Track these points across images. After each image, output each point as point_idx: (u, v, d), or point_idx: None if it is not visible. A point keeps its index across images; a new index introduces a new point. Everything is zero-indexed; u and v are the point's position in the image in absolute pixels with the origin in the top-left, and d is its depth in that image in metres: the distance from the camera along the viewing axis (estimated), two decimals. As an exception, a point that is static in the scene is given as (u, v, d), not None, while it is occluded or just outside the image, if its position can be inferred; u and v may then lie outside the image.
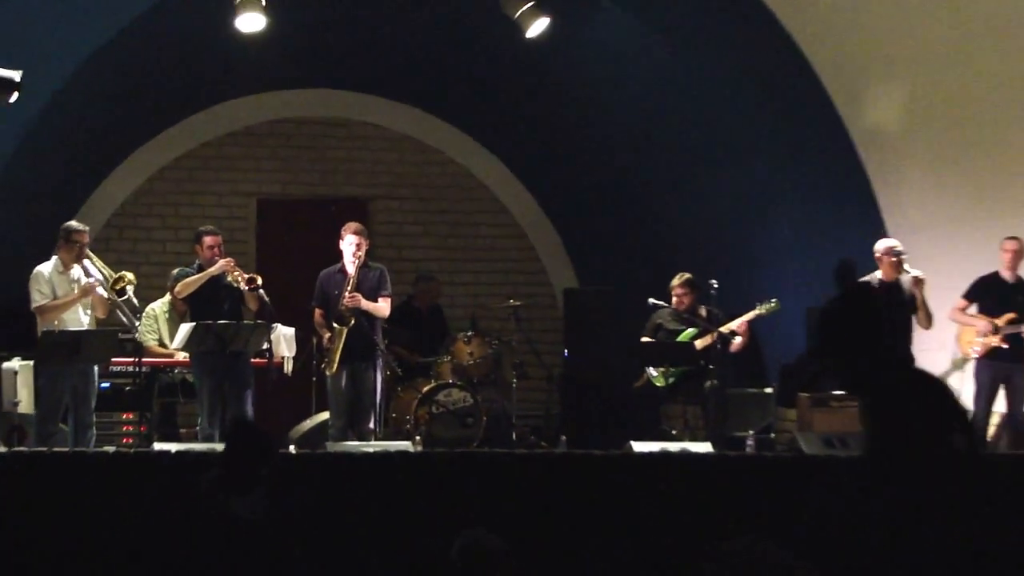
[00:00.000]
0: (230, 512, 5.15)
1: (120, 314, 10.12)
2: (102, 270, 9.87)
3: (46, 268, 9.64)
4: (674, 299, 11.15)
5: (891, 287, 10.19)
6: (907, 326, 10.19)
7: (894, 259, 10.13)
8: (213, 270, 10.04)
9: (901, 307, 10.13)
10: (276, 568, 4.84)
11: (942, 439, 3.82)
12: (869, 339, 4.19)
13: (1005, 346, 10.19)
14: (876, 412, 3.96)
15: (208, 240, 10.20)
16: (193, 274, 10.14)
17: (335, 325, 10.16)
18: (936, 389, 3.87)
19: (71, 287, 9.67)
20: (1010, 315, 10.18)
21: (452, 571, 4.89)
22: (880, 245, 10.27)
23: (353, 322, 10.13)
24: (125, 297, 9.80)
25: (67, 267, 9.68)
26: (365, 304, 10.22)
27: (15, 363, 10.18)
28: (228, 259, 10.11)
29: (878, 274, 10.26)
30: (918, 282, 10.10)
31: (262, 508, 5.47)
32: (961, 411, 4.01)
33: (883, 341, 4.20)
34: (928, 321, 10.22)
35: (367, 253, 10.40)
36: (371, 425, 10.24)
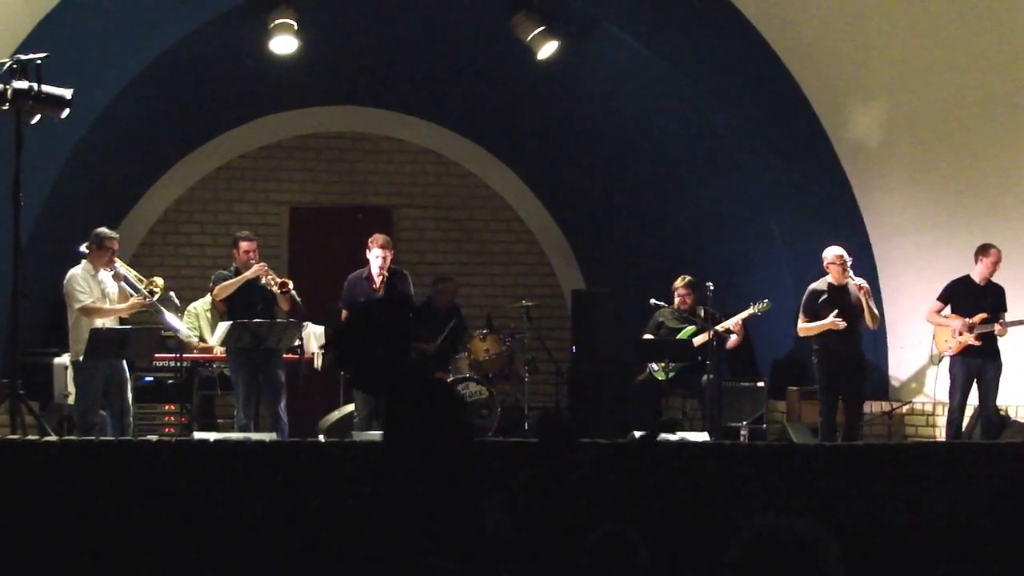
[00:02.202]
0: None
1: (159, 317, 10.10)
2: (128, 274, 9.86)
3: (78, 271, 9.54)
4: (676, 299, 11.17)
5: (839, 290, 10.22)
6: (855, 327, 10.24)
7: (839, 266, 10.19)
8: (248, 275, 10.05)
9: (850, 309, 10.16)
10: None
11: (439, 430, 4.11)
12: (366, 345, 4.47)
13: (978, 344, 10.17)
14: (387, 409, 4.28)
15: (244, 245, 10.21)
16: (230, 277, 10.15)
17: (361, 327, 10.16)
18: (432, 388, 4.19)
19: (100, 290, 9.61)
20: (982, 315, 10.16)
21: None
22: (828, 252, 10.29)
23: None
24: (155, 298, 9.78)
25: (96, 271, 9.63)
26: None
27: (65, 359, 10.19)
28: (262, 264, 10.12)
29: (829, 278, 10.27)
30: (861, 288, 10.15)
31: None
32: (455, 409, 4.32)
33: (383, 349, 4.49)
34: (874, 322, 10.30)
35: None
36: (394, 416, 10.23)
